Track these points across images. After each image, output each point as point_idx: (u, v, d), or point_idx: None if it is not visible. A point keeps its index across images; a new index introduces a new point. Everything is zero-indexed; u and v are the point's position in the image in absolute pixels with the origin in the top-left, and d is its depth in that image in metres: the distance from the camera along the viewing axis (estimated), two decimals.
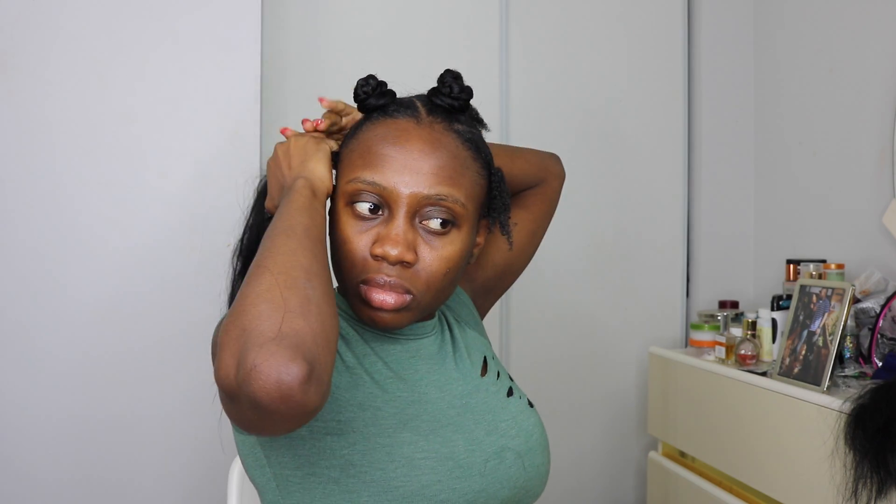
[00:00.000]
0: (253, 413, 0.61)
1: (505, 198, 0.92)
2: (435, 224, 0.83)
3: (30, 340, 1.60)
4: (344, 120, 0.92)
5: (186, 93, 1.70)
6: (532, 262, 2.21)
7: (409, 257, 0.81)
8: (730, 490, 1.80)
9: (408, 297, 0.83)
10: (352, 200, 0.83)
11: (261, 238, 0.86)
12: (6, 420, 1.59)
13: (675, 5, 2.34)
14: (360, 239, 0.82)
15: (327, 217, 0.84)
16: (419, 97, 0.89)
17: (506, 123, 2.18)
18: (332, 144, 0.89)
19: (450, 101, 0.87)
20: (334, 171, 0.89)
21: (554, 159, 1.17)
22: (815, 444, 1.46)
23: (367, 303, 0.82)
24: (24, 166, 1.59)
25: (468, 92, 0.89)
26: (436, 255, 0.83)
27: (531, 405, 0.97)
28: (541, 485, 0.93)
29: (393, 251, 0.80)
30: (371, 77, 0.89)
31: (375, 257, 0.81)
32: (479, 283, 1.11)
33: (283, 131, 0.91)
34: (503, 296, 2.19)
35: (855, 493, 1.35)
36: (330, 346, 0.65)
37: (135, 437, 1.67)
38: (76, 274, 1.63)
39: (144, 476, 1.67)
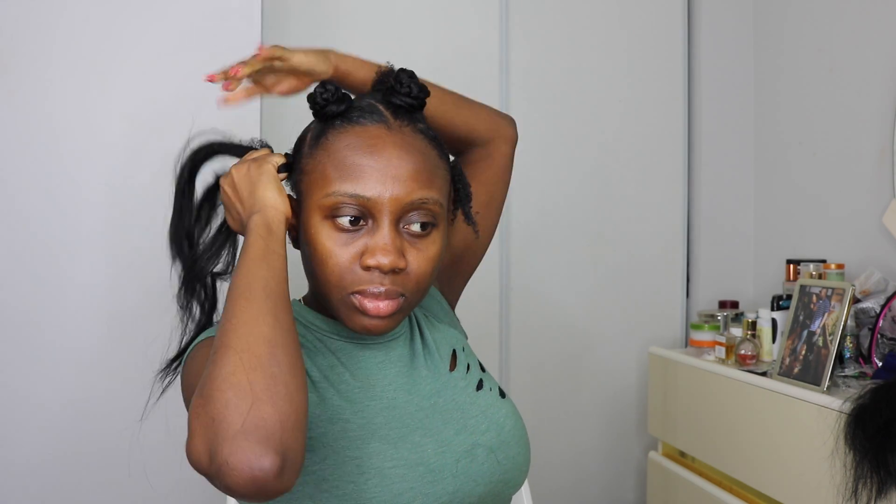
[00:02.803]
0: (229, 494, 0.64)
1: (466, 188, 0.93)
2: (417, 227, 0.83)
3: (29, 340, 1.60)
4: (277, 65, 0.91)
5: (186, 93, 1.70)
6: (532, 261, 2.23)
7: (401, 264, 0.81)
8: (730, 490, 1.79)
9: (401, 300, 0.83)
10: (331, 214, 0.82)
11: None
12: (5, 417, 1.59)
13: (675, 5, 2.34)
14: (344, 251, 0.81)
15: (303, 228, 0.84)
16: (374, 98, 0.88)
17: None
18: (277, 159, 0.87)
19: (410, 100, 0.87)
20: (292, 182, 0.88)
21: (507, 120, 1.15)
22: (815, 444, 1.46)
23: (362, 312, 0.82)
24: (24, 166, 1.59)
25: (426, 90, 0.88)
26: (423, 256, 0.84)
27: (503, 395, 0.97)
28: (520, 476, 0.93)
29: (387, 261, 0.80)
30: (329, 83, 0.87)
31: (367, 268, 0.81)
32: (441, 271, 1.10)
33: (209, 78, 0.92)
34: (503, 296, 2.20)
35: (855, 493, 1.35)
36: (300, 425, 0.65)
37: (134, 436, 1.67)
38: (76, 274, 1.63)
39: (142, 475, 1.67)
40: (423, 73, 0.91)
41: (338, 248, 0.82)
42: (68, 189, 1.62)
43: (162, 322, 1.67)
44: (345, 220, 0.81)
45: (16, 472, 1.59)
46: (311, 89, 0.89)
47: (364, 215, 0.82)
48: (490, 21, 2.16)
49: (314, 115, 0.87)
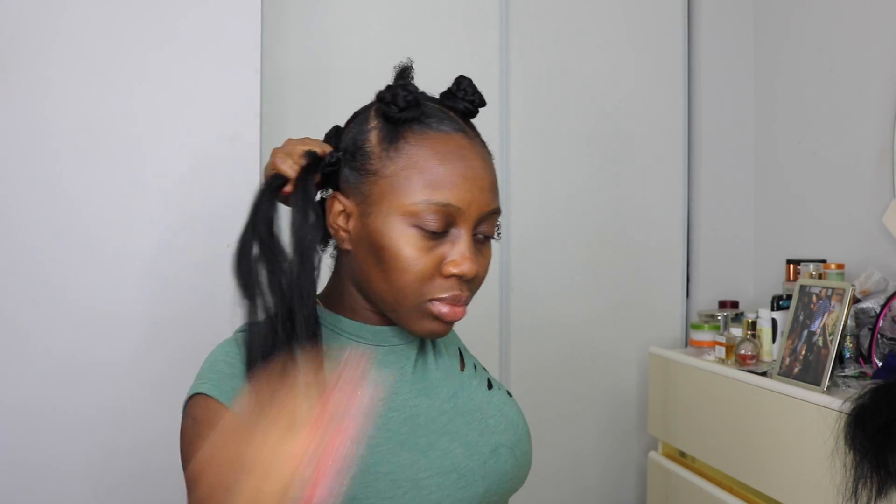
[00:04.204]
0: None
1: None
2: (482, 235, 0.85)
3: (28, 340, 1.60)
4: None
5: (186, 93, 1.70)
6: (532, 261, 2.23)
7: (479, 272, 0.84)
8: (730, 490, 1.79)
9: (467, 305, 0.86)
10: (418, 222, 0.81)
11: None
12: (2, 419, 1.59)
13: (675, 5, 2.34)
14: (427, 258, 0.81)
15: (378, 228, 0.82)
16: (435, 101, 0.88)
17: (506, 124, 2.18)
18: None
19: (472, 107, 0.88)
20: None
21: None
22: (815, 444, 1.46)
23: (437, 318, 0.83)
24: (23, 166, 1.59)
25: (484, 100, 0.90)
26: (485, 262, 0.86)
27: (509, 394, 0.98)
28: (528, 470, 0.95)
29: (471, 270, 0.82)
30: (412, 85, 0.85)
31: (449, 276, 0.82)
32: None
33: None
34: (503, 296, 2.20)
35: (855, 493, 1.35)
36: None
37: (133, 435, 1.67)
38: (75, 274, 1.63)
39: (138, 474, 1.67)
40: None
41: (422, 254, 0.81)
42: (68, 189, 1.62)
43: (162, 319, 1.68)
44: (433, 228, 0.81)
45: (19, 475, 1.59)
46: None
47: (449, 223, 0.82)
48: (490, 21, 2.16)
49: (386, 116, 0.84)
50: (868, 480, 1.33)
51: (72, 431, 1.63)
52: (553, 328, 2.25)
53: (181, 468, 0.81)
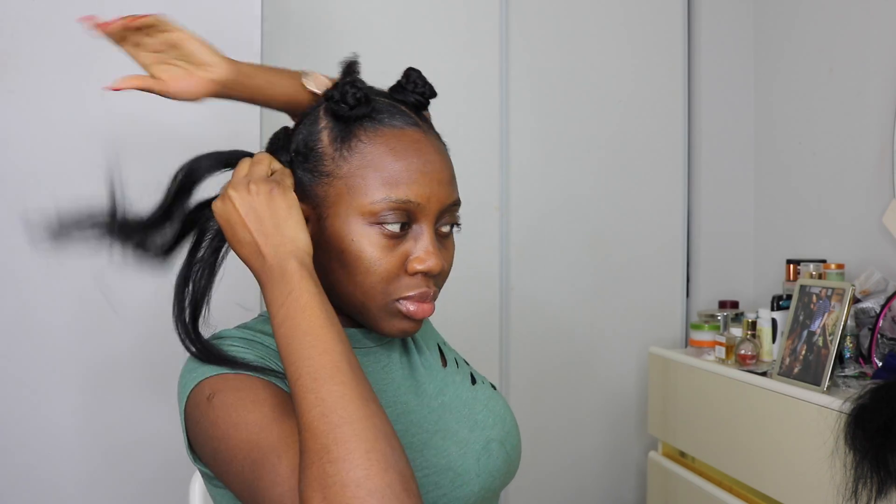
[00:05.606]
0: None
1: None
2: (446, 228, 0.84)
3: (27, 340, 1.60)
4: (161, 37, 0.88)
5: None
6: (531, 262, 2.23)
7: (444, 266, 0.82)
8: (730, 490, 1.80)
9: (435, 301, 0.84)
10: (379, 220, 0.79)
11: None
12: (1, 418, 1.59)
13: (675, 5, 2.34)
14: (391, 258, 0.80)
15: (339, 232, 0.80)
16: (385, 95, 0.86)
17: (506, 123, 2.18)
18: (291, 179, 0.81)
19: (423, 99, 0.86)
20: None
21: None
22: (815, 444, 1.46)
23: (407, 317, 0.82)
24: (23, 165, 1.59)
25: (434, 90, 0.87)
26: (448, 255, 0.85)
27: (494, 387, 0.97)
28: (518, 463, 0.94)
29: (436, 265, 0.80)
30: (360, 81, 0.83)
31: (414, 273, 0.81)
32: None
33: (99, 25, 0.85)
34: (503, 296, 2.20)
35: (855, 493, 1.35)
36: None
37: (135, 434, 1.67)
38: (75, 274, 1.63)
39: (131, 475, 1.67)
40: (423, 74, 0.92)
41: (385, 254, 0.79)
42: (68, 189, 1.62)
43: (162, 319, 1.67)
44: (395, 227, 0.79)
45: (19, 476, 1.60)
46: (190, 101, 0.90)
47: (410, 220, 0.80)
48: (490, 21, 2.16)
49: (336, 115, 0.82)
50: (868, 480, 1.33)
51: (69, 430, 1.63)
52: (553, 328, 2.25)
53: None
